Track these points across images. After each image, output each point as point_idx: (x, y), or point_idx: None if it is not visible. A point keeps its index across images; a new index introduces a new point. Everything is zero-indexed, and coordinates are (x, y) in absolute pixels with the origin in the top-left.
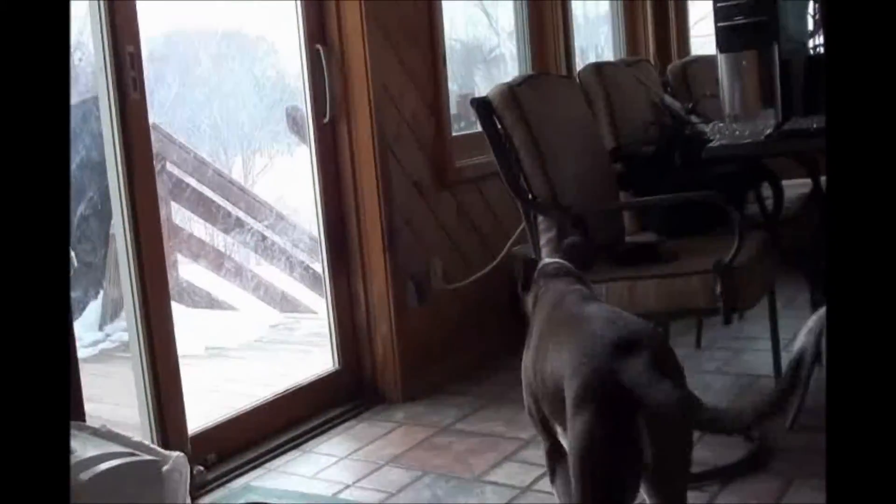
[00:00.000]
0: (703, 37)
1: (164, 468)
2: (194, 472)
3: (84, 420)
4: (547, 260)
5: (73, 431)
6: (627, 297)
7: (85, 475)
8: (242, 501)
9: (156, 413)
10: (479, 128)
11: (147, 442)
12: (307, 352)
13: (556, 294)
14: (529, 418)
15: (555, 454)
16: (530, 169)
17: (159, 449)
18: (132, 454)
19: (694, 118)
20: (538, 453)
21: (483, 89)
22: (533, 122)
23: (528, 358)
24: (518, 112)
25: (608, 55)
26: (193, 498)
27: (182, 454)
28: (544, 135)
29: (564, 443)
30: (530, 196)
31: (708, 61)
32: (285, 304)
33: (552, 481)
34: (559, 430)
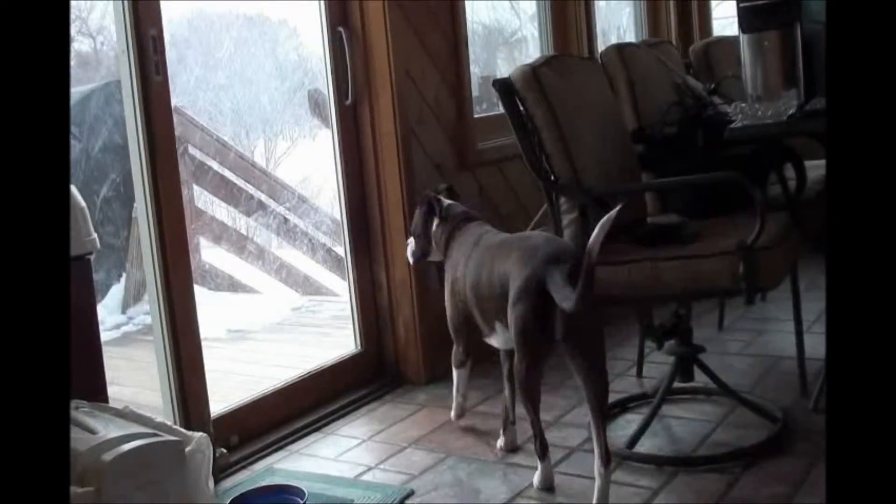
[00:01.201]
0: (724, 18)
1: (188, 449)
2: (217, 454)
3: (107, 402)
4: (447, 202)
5: (96, 412)
6: (650, 277)
7: (108, 455)
8: (265, 483)
9: (178, 395)
10: (500, 109)
11: (170, 423)
12: (329, 334)
13: (476, 233)
14: (452, 329)
15: (461, 356)
16: (552, 150)
17: (182, 430)
18: (155, 435)
19: (716, 99)
20: (560, 435)
21: (504, 72)
22: (555, 103)
23: (456, 282)
24: (540, 92)
25: (630, 37)
26: (216, 480)
27: (205, 435)
28: (566, 115)
29: (493, 341)
30: (552, 177)
31: (730, 42)
32: (307, 286)
33: (456, 367)
34: (499, 327)
